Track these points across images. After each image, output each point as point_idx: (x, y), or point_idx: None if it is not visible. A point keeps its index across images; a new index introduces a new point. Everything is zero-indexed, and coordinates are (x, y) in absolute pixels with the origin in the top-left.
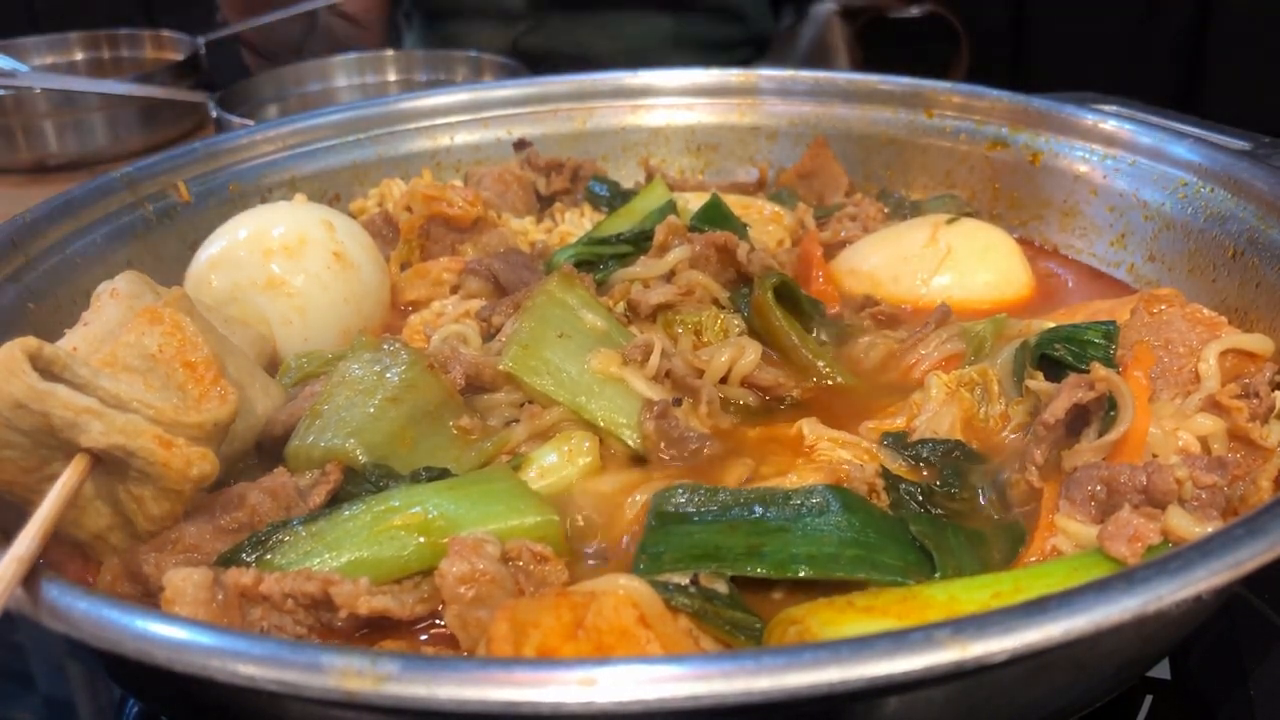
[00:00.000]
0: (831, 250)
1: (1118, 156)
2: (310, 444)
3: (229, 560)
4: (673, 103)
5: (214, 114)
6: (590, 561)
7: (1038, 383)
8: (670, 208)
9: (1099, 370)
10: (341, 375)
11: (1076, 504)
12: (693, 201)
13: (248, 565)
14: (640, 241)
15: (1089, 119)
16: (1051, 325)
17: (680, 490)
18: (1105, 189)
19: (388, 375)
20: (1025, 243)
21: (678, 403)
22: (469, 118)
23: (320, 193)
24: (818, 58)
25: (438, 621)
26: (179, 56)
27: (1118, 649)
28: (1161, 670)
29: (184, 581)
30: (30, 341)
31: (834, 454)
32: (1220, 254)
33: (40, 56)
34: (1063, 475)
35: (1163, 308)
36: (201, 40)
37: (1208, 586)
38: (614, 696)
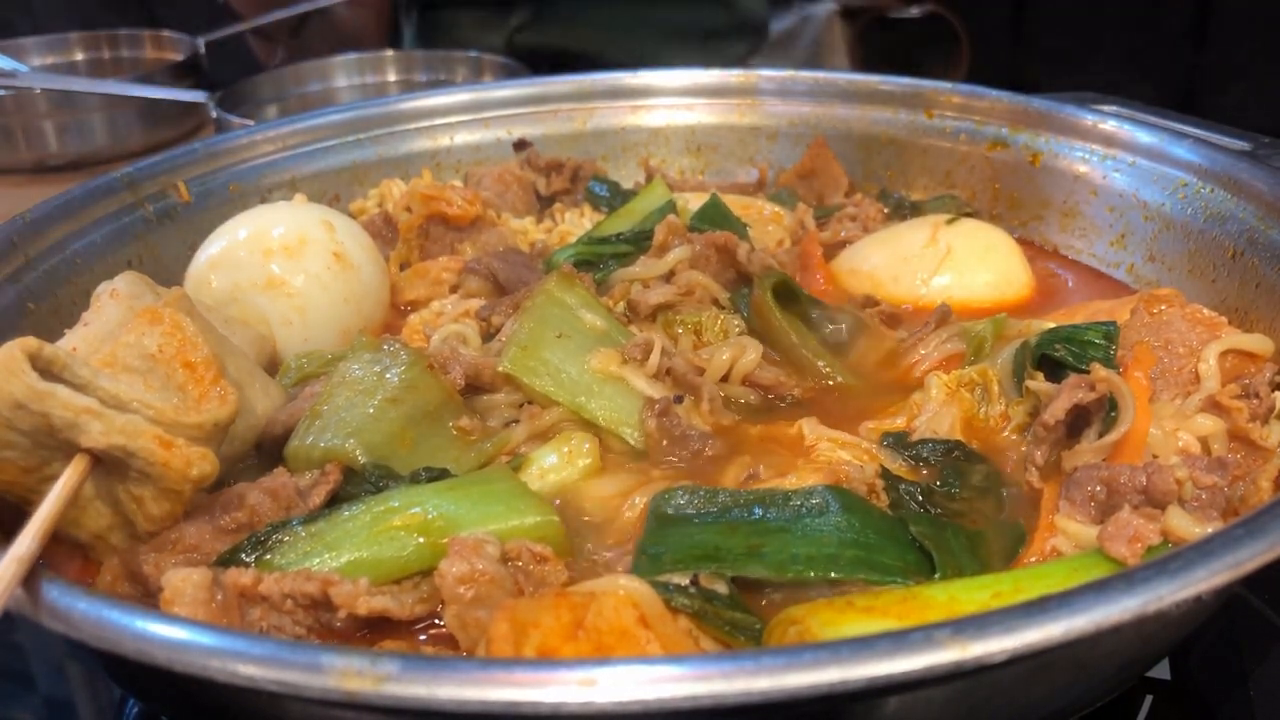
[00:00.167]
0: (831, 250)
1: (1118, 157)
2: (310, 444)
3: (228, 560)
4: (673, 103)
5: (214, 114)
6: (590, 561)
7: (1038, 383)
8: (670, 208)
9: (1099, 371)
10: (341, 375)
11: (1076, 504)
12: (693, 201)
13: (247, 565)
14: (640, 241)
15: (1089, 119)
16: (1051, 325)
17: (680, 492)
18: (1105, 189)
19: (388, 376)
20: (1025, 243)
21: (679, 400)
22: (469, 118)
23: (320, 193)
24: (818, 58)
25: (438, 621)
26: (179, 56)
27: (1118, 649)
28: (1161, 670)
29: (183, 582)
30: (30, 341)
31: (834, 454)
32: (1220, 254)
33: (40, 56)
34: (1063, 476)
35: (1163, 308)
36: (201, 40)
37: (1208, 587)
38: (614, 697)
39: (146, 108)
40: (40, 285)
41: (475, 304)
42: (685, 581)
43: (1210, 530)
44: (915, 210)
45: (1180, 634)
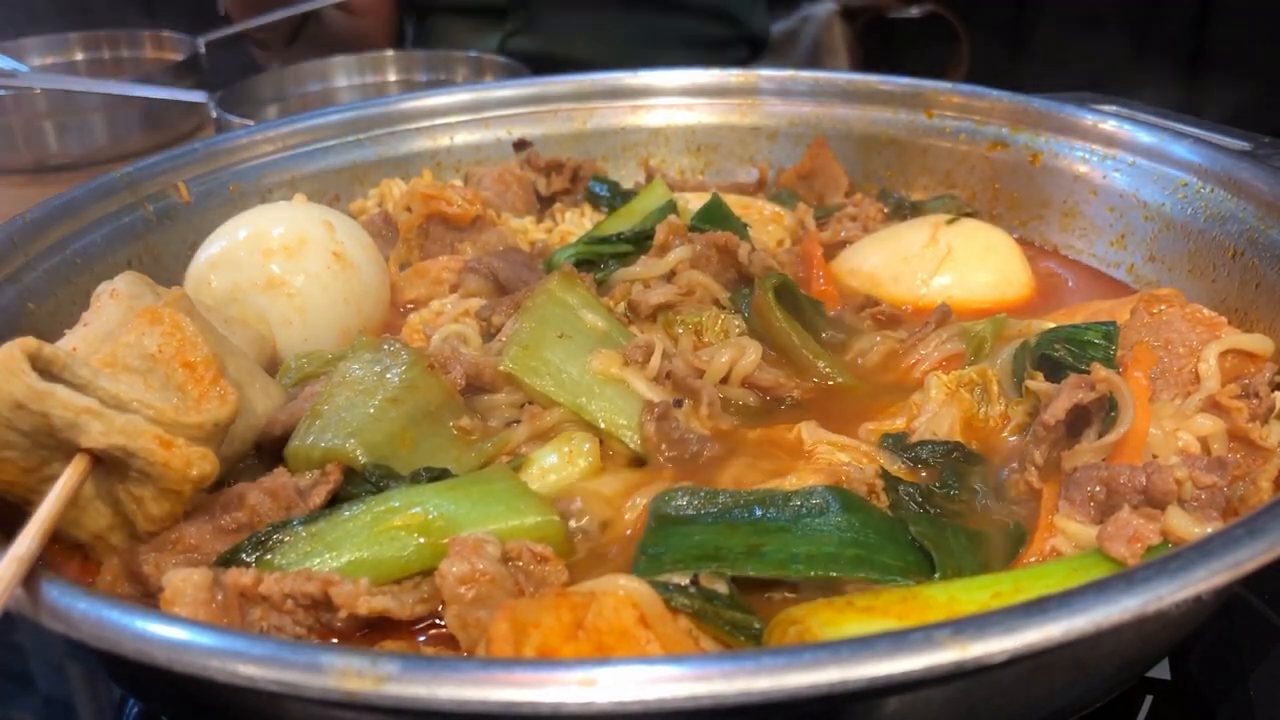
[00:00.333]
0: (831, 250)
1: (1118, 156)
2: (310, 444)
3: (229, 561)
4: (673, 103)
5: (214, 114)
6: (590, 562)
7: (1038, 383)
8: (670, 208)
9: (1099, 371)
10: (341, 375)
11: (1076, 505)
12: (693, 201)
13: (247, 566)
14: (641, 241)
15: (1089, 119)
16: (1051, 325)
17: (680, 493)
18: (1105, 189)
19: (388, 375)
20: (1025, 243)
21: (679, 404)
22: (469, 118)
23: (320, 193)
24: (818, 58)
25: (438, 621)
26: (179, 56)
27: (1118, 649)
28: (1161, 670)
29: (183, 582)
30: (30, 341)
31: (833, 457)
32: (1220, 254)
33: (40, 56)
34: (1062, 476)
35: (1163, 308)
36: (201, 40)
37: (1208, 587)
38: (614, 697)
39: (146, 108)
40: (40, 285)
41: (475, 304)
42: (685, 581)
43: (1210, 530)
44: (915, 210)
45: (1180, 634)
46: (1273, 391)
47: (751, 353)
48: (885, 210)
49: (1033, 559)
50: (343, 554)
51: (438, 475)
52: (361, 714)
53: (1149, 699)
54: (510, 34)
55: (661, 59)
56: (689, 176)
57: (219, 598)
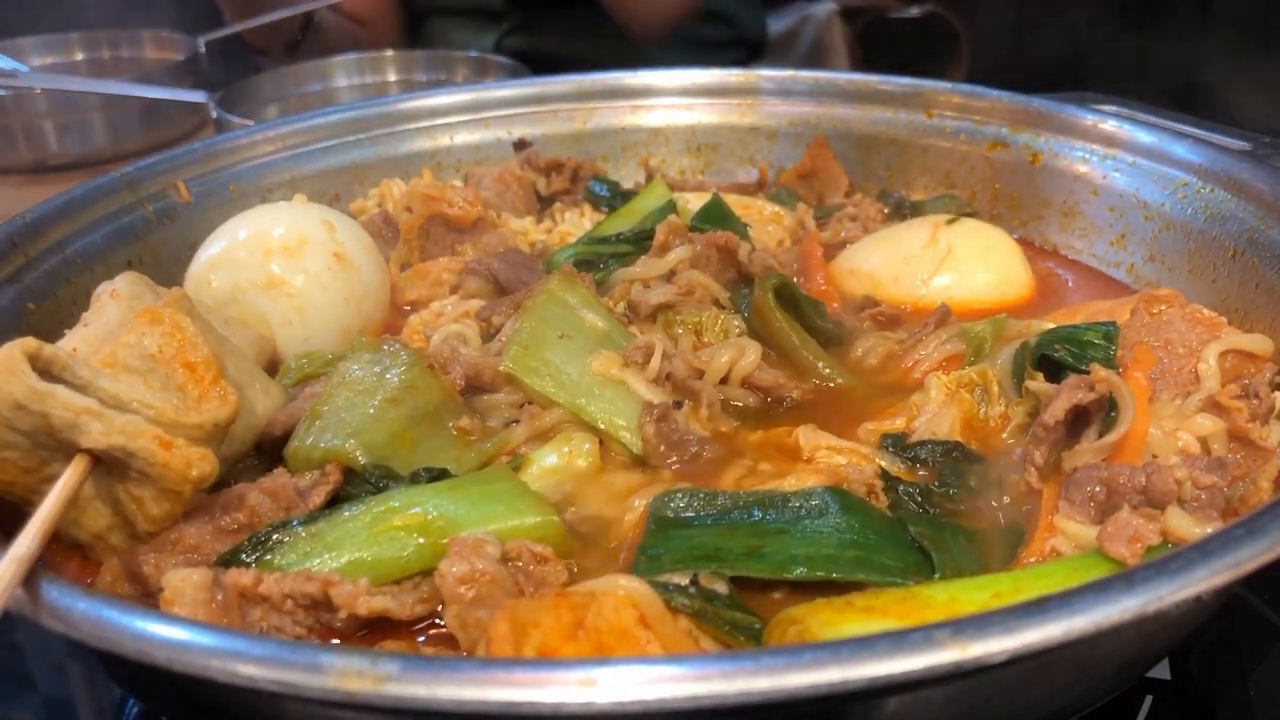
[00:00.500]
0: (831, 250)
1: (1118, 156)
2: (310, 445)
3: (228, 561)
4: (673, 103)
5: (214, 114)
6: (590, 562)
7: (1038, 384)
8: (670, 208)
9: (1099, 371)
10: (341, 376)
11: (1076, 505)
12: (693, 201)
13: (247, 566)
14: (640, 241)
15: (1089, 119)
16: (1051, 326)
17: (680, 494)
18: (1105, 189)
19: (387, 376)
20: (1025, 243)
21: (678, 405)
22: (469, 118)
23: (320, 193)
24: (818, 58)
25: (438, 622)
26: (179, 56)
27: (1118, 649)
28: (1161, 670)
29: (183, 582)
30: (30, 342)
31: (832, 460)
32: (1220, 254)
33: (40, 56)
34: (1062, 476)
35: (1163, 308)
36: (201, 40)
37: (1208, 587)
38: (614, 697)
39: (146, 108)
40: (40, 285)
41: (475, 304)
42: (685, 581)
43: (1210, 530)
44: (915, 210)
45: (1180, 634)
46: (1273, 391)
47: (751, 353)
48: (885, 210)
49: (1033, 559)
50: (342, 554)
51: (437, 475)
52: (361, 714)
53: (1149, 699)
54: (506, 33)
55: (657, 61)
56: (689, 176)
57: (219, 598)
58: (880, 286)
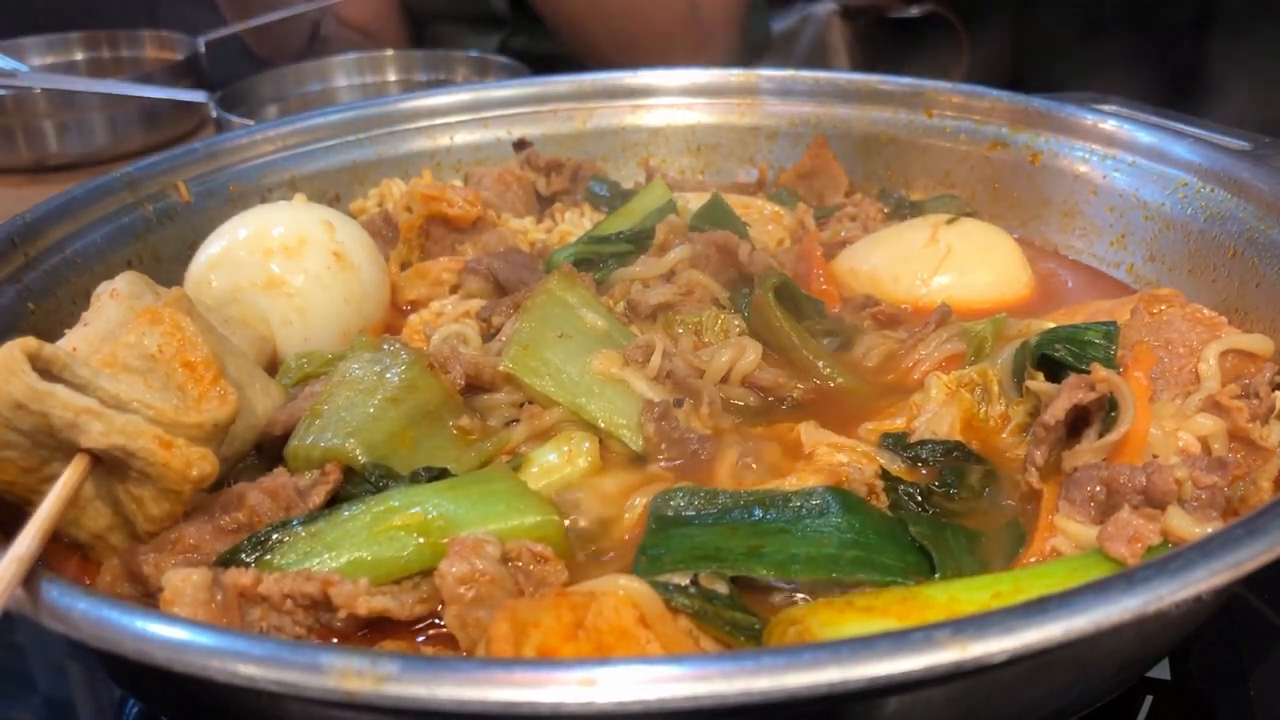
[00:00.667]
0: (831, 250)
1: (1118, 156)
2: (310, 444)
3: (228, 561)
4: (673, 103)
5: (214, 114)
6: (590, 562)
7: (1038, 383)
8: (670, 207)
9: (1099, 371)
10: (341, 375)
11: (1076, 505)
12: (693, 201)
13: (247, 566)
14: (640, 241)
15: (1089, 119)
16: (1051, 325)
17: (680, 493)
18: (1105, 189)
19: (388, 375)
20: (1025, 243)
21: (679, 404)
22: (469, 118)
23: (320, 193)
24: (818, 58)
25: (437, 621)
26: (179, 56)
27: (1118, 649)
28: (1161, 670)
29: (183, 582)
30: (30, 341)
31: (832, 458)
32: (1220, 254)
33: (40, 56)
34: (1063, 476)
35: (1163, 308)
36: (201, 40)
37: (1208, 587)
38: (614, 697)
39: (146, 108)
40: (40, 285)
41: (475, 304)
42: (685, 581)
43: (1210, 530)
44: (915, 210)
45: (1180, 634)
46: (1273, 391)
47: (751, 352)
48: (885, 210)
49: (1033, 559)
50: (342, 554)
51: (437, 475)
52: (361, 714)
53: (1149, 699)
54: (509, 35)
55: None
56: (689, 176)
57: (219, 598)
58: (880, 286)
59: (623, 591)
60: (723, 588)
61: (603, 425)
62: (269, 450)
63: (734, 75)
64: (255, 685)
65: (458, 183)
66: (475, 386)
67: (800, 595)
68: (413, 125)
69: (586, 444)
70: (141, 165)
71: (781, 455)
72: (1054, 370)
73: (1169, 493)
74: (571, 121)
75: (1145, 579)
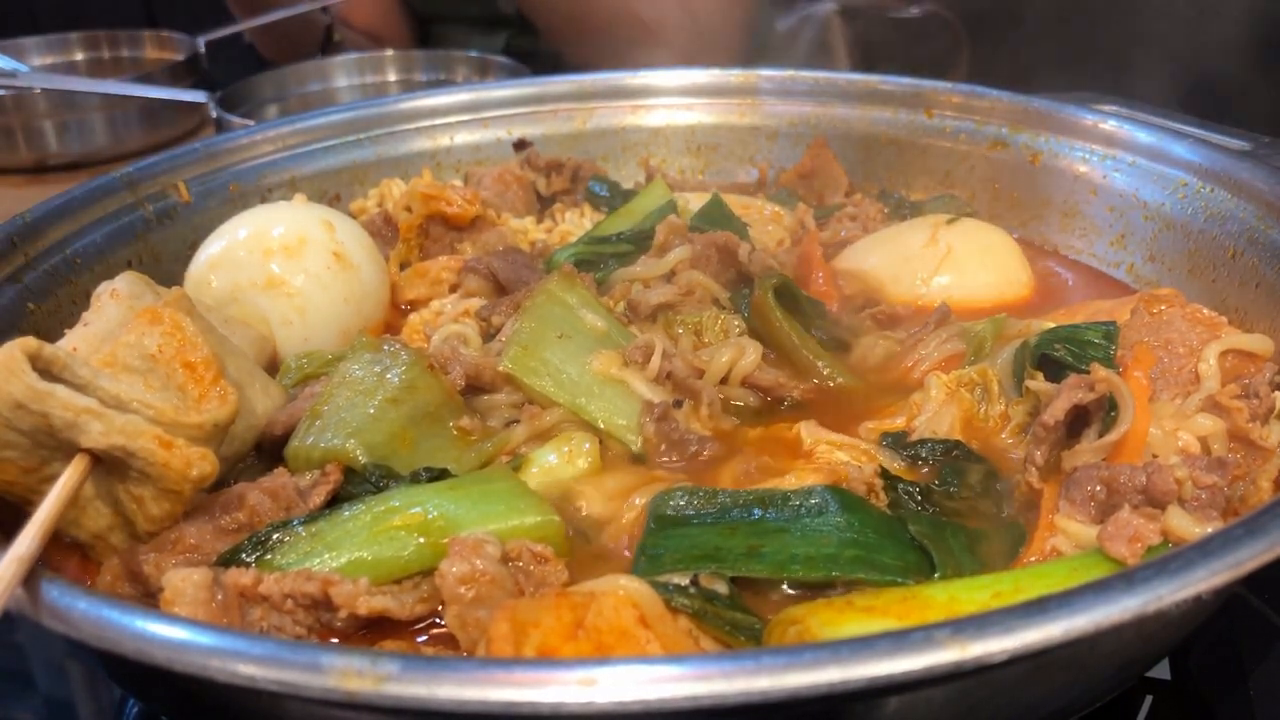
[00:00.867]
0: (831, 250)
1: (1118, 156)
2: (310, 444)
3: (229, 561)
4: (673, 103)
5: (214, 114)
6: (590, 561)
7: (1038, 383)
8: (670, 207)
9: (1099, 371)
10: (342, 376)
11: (1076, 504)
12: (693, 201)
13: (247, 566)
14: (641, 241)
15: (1089, 119)
16: (1051, 325)
17: (679, 492)
18: (1105, 189)
19: (388, 376)
20: (1025, 243)
21: (679, 405)
22: (469, 118)
23: (320, 193)
24: (818, 58)
25: (438, 621)
26: (179, 56)
27: (1118, 649)
28: (1161, 670)
29: (183, 582)
30: (30, 342)
31: (832, 456)
32: (1220, 254)
33: (40, 56)
34: (1063, 476)
35: (1163, 308)
36: (201, 40)
37: (1208, 586)
38: (614, 697)
39: (146, 108)
40: (40, 285)
41: (475, 304)
42: (685, 581)
43: (1210, 530)
44: (915, 210)
45: (1180, 634)
46: (1273, 391)
47: (751, 353)
48: (885, 210)
49: (1033, 559)
50: (343, 554)
51: (438, 475)
52: (361, 714)
53: (1149, 699)
54: (516, 33)
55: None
56: (689, 176)
57: (219, 598)
58: (880, 286)
59: (623, 591)
60: (723, 588)
61: (602, 426)
62: (269, 450)
63: (734, 75)
64: (255, 685)
65: (458, 183)
66: (475, 387)
67: (800, 594)
68: (413, 125)
69: (586, 445)
70: (141, 165)
71: (781, 454)
72: (1054, 370)
73: (1169, 492)
74: (571, 121)
75: (1145, 579)
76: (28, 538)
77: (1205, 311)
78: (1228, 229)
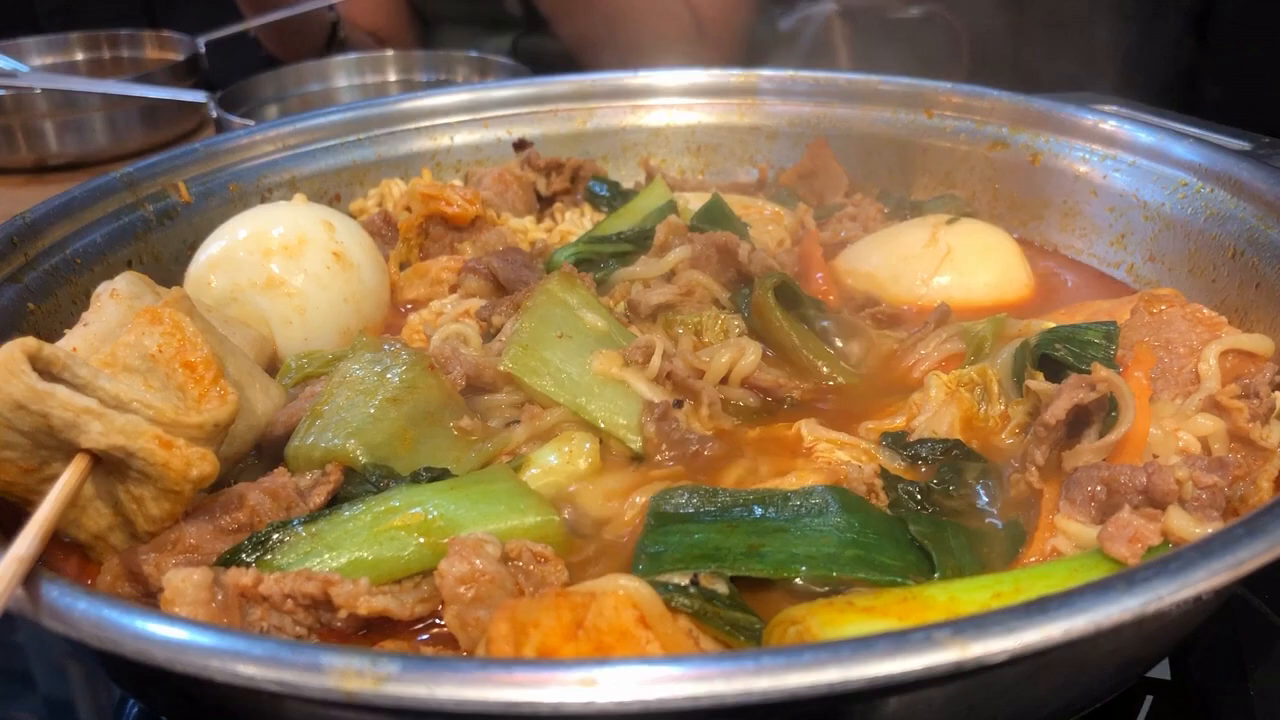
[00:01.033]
0: (831, 250)
1: (1118, 156)
2: (310, 444)
3: (229, 561)
4: (673, 103)
5: (214, 114)
6: (590, 561)
7: (1038, 383)
8: (670, 207)
9: (1100, 371)
10: (342, 376)
11: (1077, 504)
12: (693, 201)
13: (247, 566)
14: (641, 241)
15: (1089, 119)
16: (1051, 325)
17: (680, 491)
18: (1105, 189)
19: (388, 376)
20: (1025, 243)
21: (679, 404)
22: (469, 118)
23: (320, 193)
24: (818, 58)
25: (438, 621)
26: (179, 56)
27: (1118, 649)
28: (1161, 670)
29: (183, 582)
30: (30, 342)
31: (833, 455)
32: (1220, 254)
33: (40, 56)
34: (1063, 476)
35: (1163, 308)
36: (201, 40)
37: (1208, 586)
38: (614, 697)
39: (146, 108)
40: (40, 285)
41: (475, 304)
42: (685, 581)
43: (1210, 530)
44: (915, 210)
45: (1180, 634)
46: (1273, 391)
47: (751, 353)
48: (885, 210)
49: (1033, 559)
50: (343, 554)
51: (438, 475)
52: (361, 714)
53: (1149, 699)
54: (522, 34)
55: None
56: (689, 176)
57: (219, 598)
58: (880, 286)
59: (623, 591)
60: (723, 587)
61: (603, 426)
62: (269, 450)
63: (734, 75)
64: (255, 685)
65: (458, 183)
66: (476, 387)
67: (801, 594)
68: (413, 125)
69: (587, 444)
70: (141, 165)
71: (781, 454)
72: (1054, 370)
73: (1169, 493)
74: (571, 121)
75: (1145, 579)
76: (28, 538)
77: (1205, 311)
78: (1228, 229)
